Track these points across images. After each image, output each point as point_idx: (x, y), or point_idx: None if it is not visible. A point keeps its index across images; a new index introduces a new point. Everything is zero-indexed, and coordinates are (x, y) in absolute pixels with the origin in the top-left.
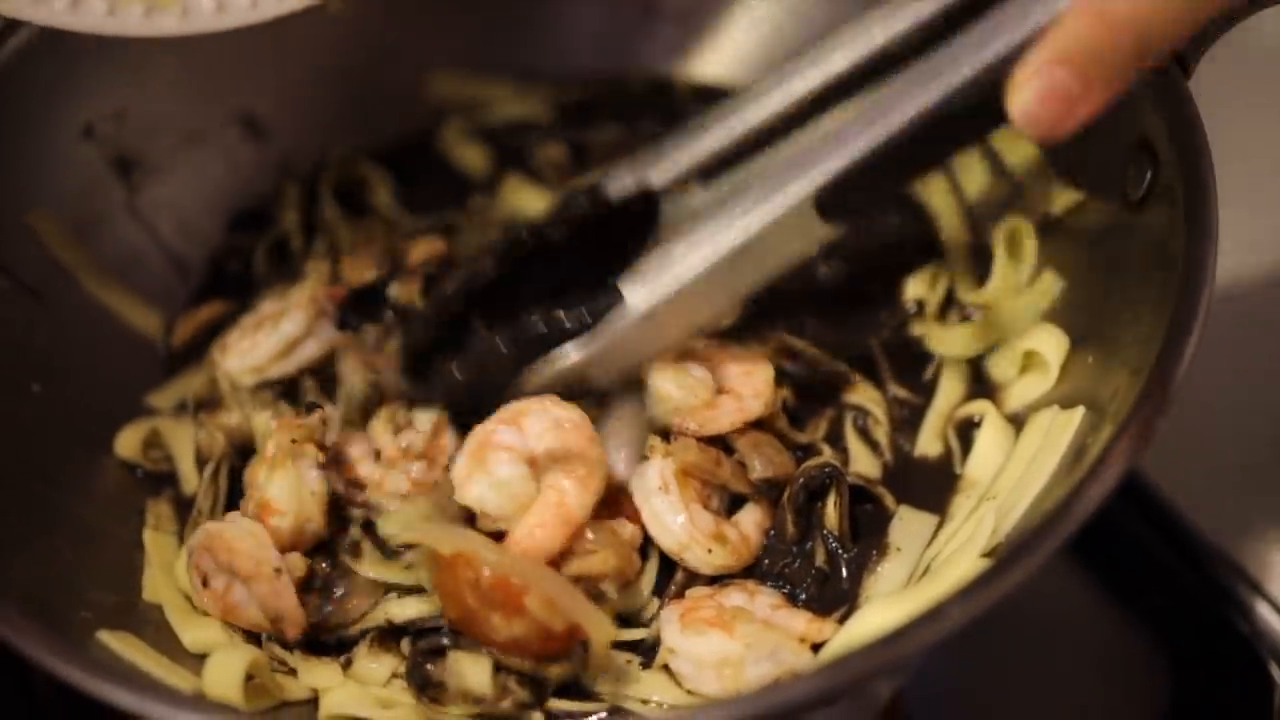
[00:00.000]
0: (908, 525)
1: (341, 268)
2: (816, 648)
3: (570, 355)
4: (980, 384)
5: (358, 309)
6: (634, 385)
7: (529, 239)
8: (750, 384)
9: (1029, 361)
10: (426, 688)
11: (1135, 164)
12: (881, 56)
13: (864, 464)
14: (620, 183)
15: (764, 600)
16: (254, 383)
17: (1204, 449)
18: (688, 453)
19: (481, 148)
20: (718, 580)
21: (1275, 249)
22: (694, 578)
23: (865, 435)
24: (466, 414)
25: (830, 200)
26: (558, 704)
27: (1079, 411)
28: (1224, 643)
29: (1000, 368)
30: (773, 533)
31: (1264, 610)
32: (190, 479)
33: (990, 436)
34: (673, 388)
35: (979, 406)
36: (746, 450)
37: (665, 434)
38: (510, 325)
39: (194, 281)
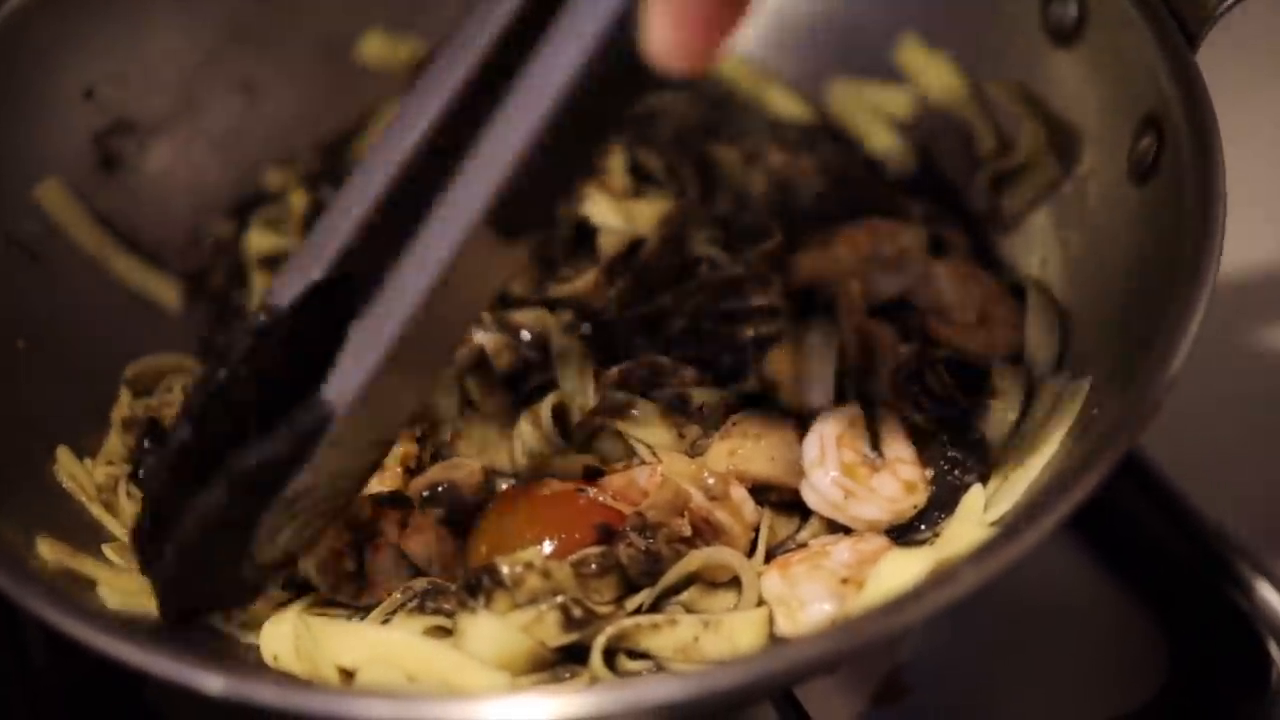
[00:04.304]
0: (1002, 372)
1: None
2: None
3: (300, 481)
4: None
5: None
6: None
7: (217, 390)
8: (1005, 334)
9: None
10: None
11: (1142, 138)
12: (495, 60)
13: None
14: (288, 289)
15: (865, 545)
16: None
17: (1203, 425)
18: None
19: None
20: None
21: None
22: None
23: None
24: (214, 600)
25: (507, 217)
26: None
27: (1088, 381)
28: (1222, 619)
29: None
30: None
31: (1262, 587)
32: None
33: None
34: (951, 288)
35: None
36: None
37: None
38: (220, 473)
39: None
